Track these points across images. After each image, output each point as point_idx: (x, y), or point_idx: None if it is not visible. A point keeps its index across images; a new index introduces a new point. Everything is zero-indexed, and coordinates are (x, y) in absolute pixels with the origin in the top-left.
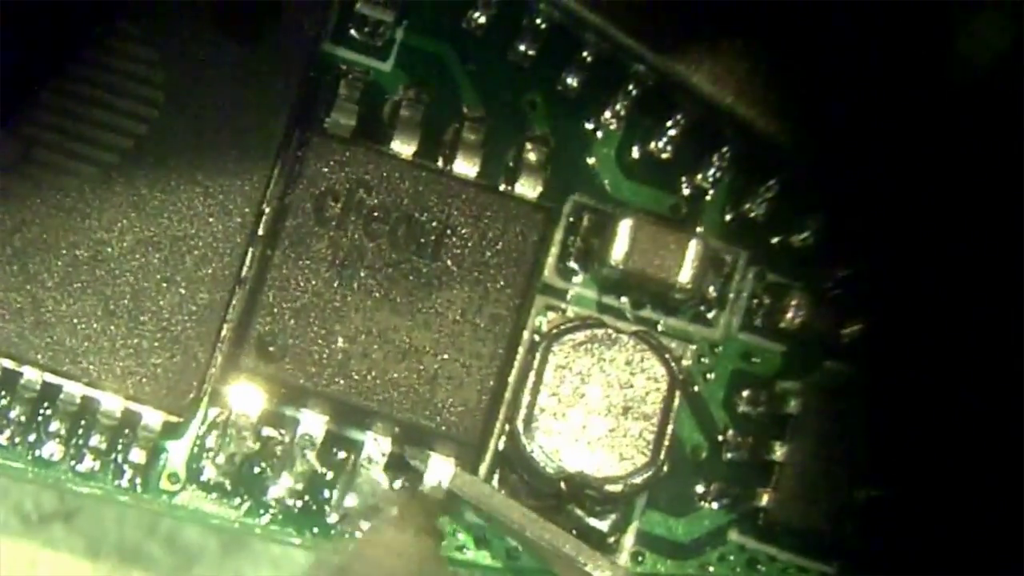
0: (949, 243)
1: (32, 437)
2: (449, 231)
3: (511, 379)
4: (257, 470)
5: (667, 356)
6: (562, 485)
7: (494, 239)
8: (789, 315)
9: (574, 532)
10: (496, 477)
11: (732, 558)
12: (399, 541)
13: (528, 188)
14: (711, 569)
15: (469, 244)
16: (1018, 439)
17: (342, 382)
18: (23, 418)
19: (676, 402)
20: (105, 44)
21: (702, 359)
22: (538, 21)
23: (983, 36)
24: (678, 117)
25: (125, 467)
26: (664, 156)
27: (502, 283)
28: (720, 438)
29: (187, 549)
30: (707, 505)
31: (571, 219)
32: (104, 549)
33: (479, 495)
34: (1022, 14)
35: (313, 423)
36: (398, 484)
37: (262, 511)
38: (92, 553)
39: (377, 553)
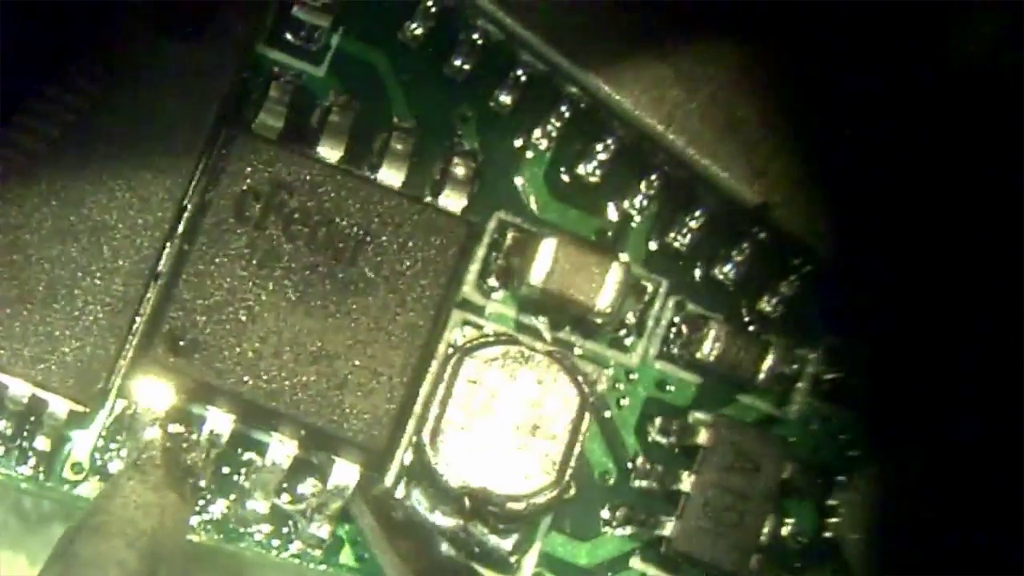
0: (878, 282)
1: None
2: (369, 238)
3: (422, 391)
4: None
5: (579, 377)
6: (466, 501)
7: (414, 248)
8: (706, 347)
9: (477, 550)
10: (401, 489)
11: None
12: (139, 493)
13: (453, 201)
14: None
15: (388, 252)
16: (929, 468)
17: (250, 381)
18: None
19: (585, 424)
20: (40, 34)
21: (617, 385)
22: (474, 37)
23: (938, 52)
24: (608, 141)
25: (29, 454)
26: (592, 179)
27: (419, 293)
28: (629, 465)
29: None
30: (611, 531)
31: (495, 236)
32: None
33: (362, 524)
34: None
35: (220, 421)
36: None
37: None
38: None
39: (116, 505)
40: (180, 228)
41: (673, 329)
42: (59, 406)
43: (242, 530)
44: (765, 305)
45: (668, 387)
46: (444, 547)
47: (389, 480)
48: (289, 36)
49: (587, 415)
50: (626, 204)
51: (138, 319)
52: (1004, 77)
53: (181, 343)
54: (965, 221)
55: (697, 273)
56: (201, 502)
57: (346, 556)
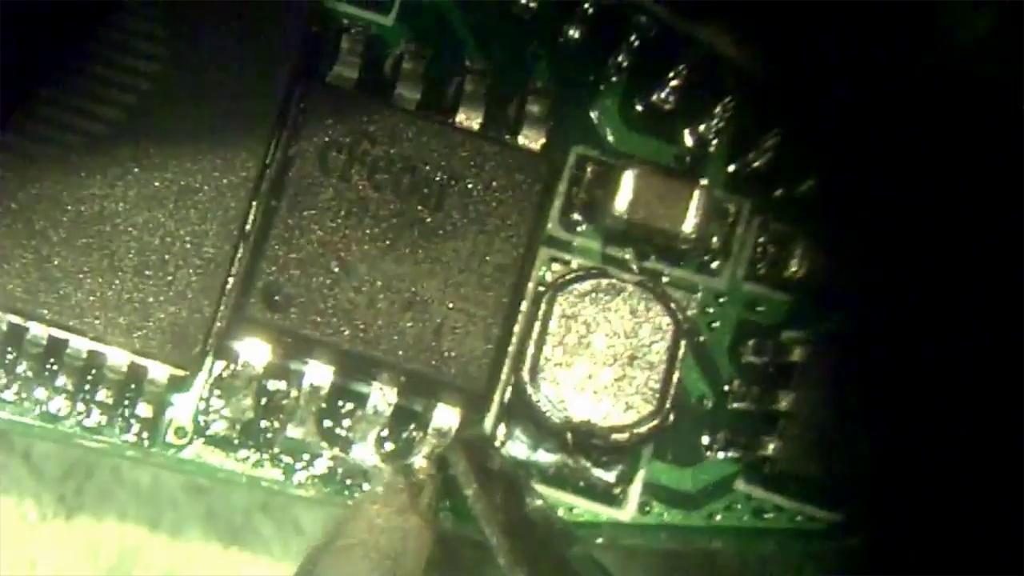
0: (952, 193)
1: (39, 392)
2: (453, 181)
3: (516, 330)
4: (264, 423)
5: (672, 305)
6: (568, 436)
7: (497, 189)
8: (793, 265)
9: (581, 484)
10: (502, 429)
11: (739, 507)
12: (383, 516)
13: (531, 140)
14: (718, 519)
15: (473, 194)
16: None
17: (347, 331)
18: (30, 373)
19: (681, 351)
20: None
21: (707, 309)
22: None
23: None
24: (680, 68)
25: (132, 421)
26: (667, 107)
27: (506, 232)
28: (725, 388)
29: (187, 549)
30: (713, 455)
31: (574, 171)
32: (104, 549)
33: (457, 470)
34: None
35: (319, 374)
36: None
37: (269, 464)
38: (92, 553)
39: (360, 528)
40: (265, 185)
41: (759, 249)
42: (158, 372)
43: (348, 481)
44: (848, 218)
45: (758, 308)
46: (539, 500)
47: (489, 422)
48: None
49: (683, 342)
50: (702, 129)
51: (231, 279)
52: None
53: (276, 298)
54: None
55: (779, 192)
56: (305, 456)
57: None
